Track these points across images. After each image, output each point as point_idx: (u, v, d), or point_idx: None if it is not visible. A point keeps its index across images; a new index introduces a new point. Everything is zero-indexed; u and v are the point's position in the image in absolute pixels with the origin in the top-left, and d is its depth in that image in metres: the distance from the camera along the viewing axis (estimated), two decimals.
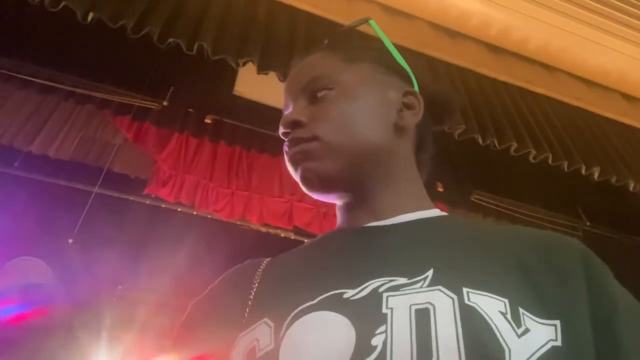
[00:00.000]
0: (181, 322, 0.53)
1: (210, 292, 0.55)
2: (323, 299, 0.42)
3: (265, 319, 0.43)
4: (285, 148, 0.55)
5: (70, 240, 2.45)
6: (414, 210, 0.53)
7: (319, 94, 0.54)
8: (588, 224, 3.02)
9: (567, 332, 0.37)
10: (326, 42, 0.63)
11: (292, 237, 2.99)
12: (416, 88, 0.59)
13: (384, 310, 0.39)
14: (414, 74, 0.61)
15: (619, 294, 0.41)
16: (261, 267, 0.53)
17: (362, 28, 0.66)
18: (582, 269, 0.42)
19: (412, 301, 0.38)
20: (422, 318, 0.37)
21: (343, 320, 0.39)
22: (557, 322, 0.38)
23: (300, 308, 0.41)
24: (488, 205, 2.94)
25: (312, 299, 0.42)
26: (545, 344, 0.36)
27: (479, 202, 2.93)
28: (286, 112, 0.57)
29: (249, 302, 0.48)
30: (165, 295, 2.72)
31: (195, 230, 2.85)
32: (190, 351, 0.48)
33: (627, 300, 0.42)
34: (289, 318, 0.41)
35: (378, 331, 0.37)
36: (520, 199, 2.98)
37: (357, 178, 0.53)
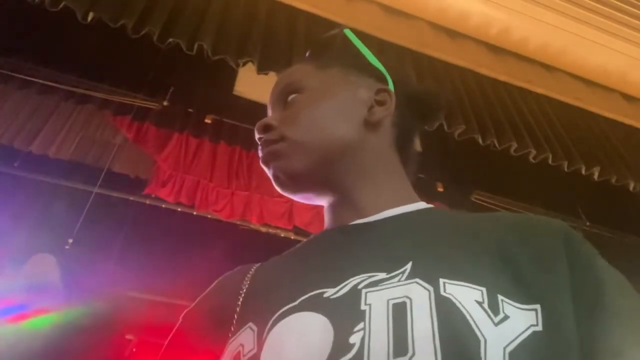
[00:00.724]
0: (172, 334, 0.53)
1: (200, 302, 0.55)
2: (304, 299, 0.42)
3: (250, 324, 0.44)
4: (259, 152, 0.57)
5: (70, 240, 2.45)
6: (397, 205, 0.53)
7: (289, 98, 0.57)
8: (588, 224, 3.02)
9: (547, 315, 0.37)
10: (307, 54, 0.67)
11: (292, 237, 2.99)
12: (391, 87, 0.60)
13: (362, 306, 0.39)
14: (394, 74, 0.62)
15: (603, 273, 0.41)
16: (250, 273, 0.54)
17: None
18: (564, 249, 0.42)
19: (390, 296, 0.39)
20: (399, 312, 0.37)
21: (322, 320, 0.39)
22: (538, 307, 0.38)
23: (281, 310, 0.42)
24: (488, 205, 2.94)
25: (293, 301, 0.42)
26: (526, 329, 0.36)
27: (479, 202, 2.93)
28: None
29: (237, 309, 0.48)
30: (165, 295, 2.72)
31: (195, 230, 2.85)
32: None
33: (613, 275, 0.41)
34: (271, 321, 0.41)
35: (356, 329, 0.37)
36: (520, 199, 2.98)
37: (329, 175, 0.53)
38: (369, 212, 0.52)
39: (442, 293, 0.37)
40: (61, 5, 1.68)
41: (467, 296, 0.37)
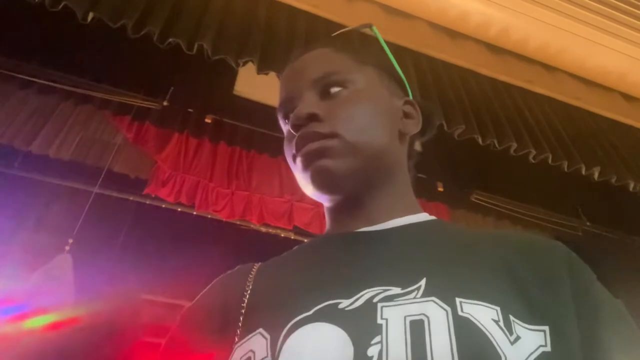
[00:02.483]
0: (170, 333, 0.52)
1: (200, 301, 0.54)
2: (318, 309, 0.42)
3: (261, 330, 0.43)
4: (295, 142, 0.52)
5: (70, 240, 2.44)
6: (404, 215, 0.53)
7: (332, 90, 0.53)
8: (588, 224, 3.02)
9: (555, 337, 0.38)
10: (332, 35, 0.65)
11: (292, 237, 2.99)
12: (410, 97, 0.61)
13: (379, 320, 0.39)
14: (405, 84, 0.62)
15: (601, 297, 0.42)
16: (252, 273, 0.53)
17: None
18: (567, 273, 0.43)
19: (407, 312, 0.39)
20: (417, 329, 0.37)
21: (339, 332, 0.39)
22: (546, 328, 0.39)
23: (296, 319, 0.41)
24: (488, 205, 2.94)
25: (308, 310, 0.42)
26: (536, 349, 0.37)
27: (479, 202, 2.93)
28: (289, 103, 0.55)
29: (242, 311, 0.47)
30: (165, 295, 2.72)
31: (195, 230, 2.85)
32: None
33: (609, 303, 0.42)
34: (285, 330, 0.41)
35: (374, 341, 0.37)
36: (520, 199, 2.98)
37: (364, 181, 0.52)
38: (378, 220, 0.52)
39: (460, 313, 0.38)
40: (61, 5, 1.68)
41: (484, 315, 0.38)
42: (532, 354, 0.36)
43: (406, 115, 0.58)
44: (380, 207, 0.53)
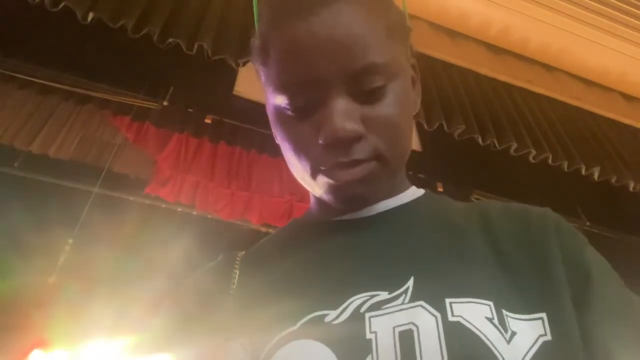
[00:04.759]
0: (154, 320, 0.50)
1: (185, 291, 0.51)
2: (304, 323, 0.39)
3: (242, 340, 0.41)
4: (328, 159, 0.42)
5: (70, 240, 2.44)
6: (393, 194, 0.49)
7: (373, 85, 0.41)
8: (588, 224, 3.02)
9: (554, 323, 0.37)
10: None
11: None
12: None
13: (368, 335, 0.37)
14: None
15: (592, 263, 0.41)
16: (236, 265, 0.50)
17: None
18: (558, 247, 0.41)
19: (395, 322, 0.37)
20: (406, 342, 0.36)
21: (326, 352, 0.37)
22: (543, 315, 0.37)
23: (280, 335, 0.39)
24: None
25: (293, 324, 0.39)
26: (536, 341, 0.36)
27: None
28: (310, 91, 0.41)
29: (225, 312, 0.45)
30: (164, 295, 2.72)
31: (195, 230, 2.84)
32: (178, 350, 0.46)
33: (600, 268, 0.41)
34: (269, 347, 0.39)
35: None
36: (520, 199, 2.96)
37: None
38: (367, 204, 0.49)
39: (450, 318, 0.36)
40: (61, 5, 1.68)
41: (477, 314, 0.36)
42: (532, 346, 0.35)
43: (415, 90, 0.50)
44: (378, 197, 0.49)
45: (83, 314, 2.19)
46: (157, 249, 2.53)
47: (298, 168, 0.45)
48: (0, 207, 2.31)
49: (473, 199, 2.92)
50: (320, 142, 0.41)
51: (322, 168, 0.43)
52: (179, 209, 2.84)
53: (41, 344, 2.06)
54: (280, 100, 0.43)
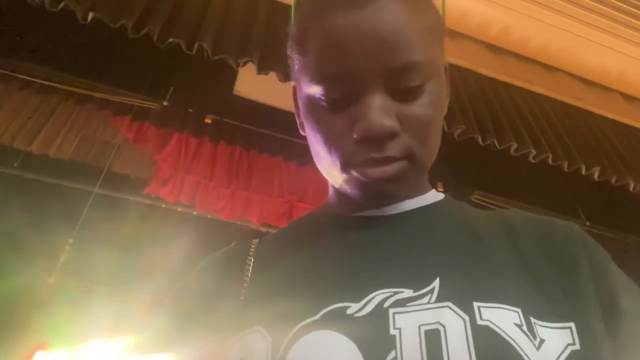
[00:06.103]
0: (163, 309, 0.50)
1: (192, 281, 0.51)
2: (325, 314, 0.39)
3: (261, 328, 0.40)
4: (361, 154, 0.42)
5: (70, 240, 2.45)
6: (414, 195, 0.49)
7: (409, 84, 0.41)
8: (588, 224, 3.02)
9: (583, 332, 0.36)
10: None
11: None
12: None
13: (392, 331, 0.36)
14: None
15: (617, 280, 0.41)
16: (251, 253, 0.50)
17: None
18: (585, 259, 0.41)
19: (421, 321, 0.36)
20: (433, 341, 0.35)
21: (349, 345, 0.36)
22: (572, 324, 0.37)
23: (300, 325, 0.38)
24: (488, 205, 2.94)
25: (314, 314, 0.39)
26: (564, 350, 0.35)
27: (479, 202, 2.92)
28: (347, 84, 0.41)
29: (241, 297, 0.44)
30: (164, 295, 2.71)
31: (195, 230, 2.84)
32: (182, 346, 0.45)
33: (627, 287, 0.41)
34: (289, 336, 0.38)
35: (388, 358, 0.35)
36: (520, 199, 2.98)
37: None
38: (388, 202, 0.48)
39: (479, 322, 0.35)
40: (61, 5, 1.68)
41: (506, 320, 0.35)
42: (560, 355, 0.35)
43: (445, 93, 0.49)
44: (402, 196, 0.48)
45: (83, 314, 2.19)
46: (157, 249, 2.53)
47: (327, 161, 0.45)
48: (0, 207, 2.31)
49: (473, 199, 2.92)
50: (355, 136, 0.41)
51: (353, 163, 0.42)
52: (179, 209, 2.84)
53: (43, 346, 2.06)
54: (316, 91, 0.43)
